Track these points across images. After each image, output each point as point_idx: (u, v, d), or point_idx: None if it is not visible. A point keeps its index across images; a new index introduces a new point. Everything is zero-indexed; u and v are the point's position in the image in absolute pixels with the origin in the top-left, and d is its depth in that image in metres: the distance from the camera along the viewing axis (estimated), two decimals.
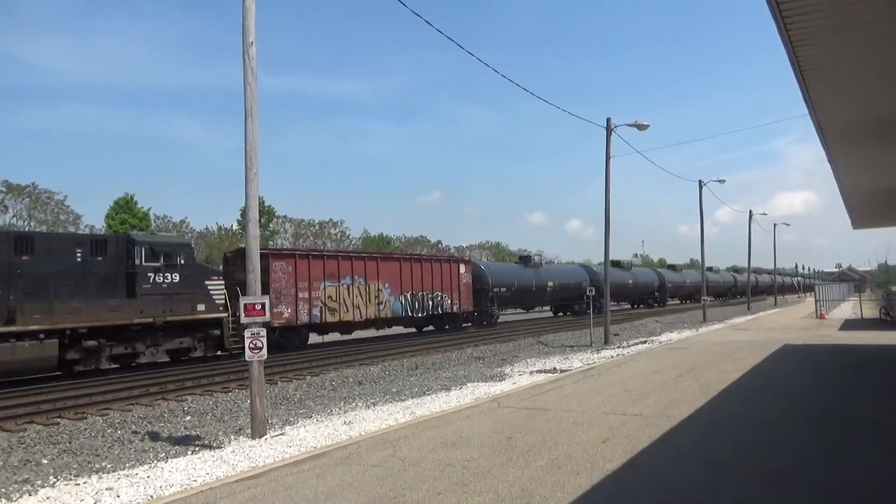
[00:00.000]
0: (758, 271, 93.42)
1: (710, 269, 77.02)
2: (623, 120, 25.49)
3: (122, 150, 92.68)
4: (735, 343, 22.37)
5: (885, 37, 4.99)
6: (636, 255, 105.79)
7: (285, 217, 62.89)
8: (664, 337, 26.95)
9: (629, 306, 57.43)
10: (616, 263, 49.81)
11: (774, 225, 75.00)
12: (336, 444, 8.86)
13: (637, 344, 23.86)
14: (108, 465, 8.81)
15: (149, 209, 49.55)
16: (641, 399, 11.44)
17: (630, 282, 52.41)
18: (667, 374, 14.73)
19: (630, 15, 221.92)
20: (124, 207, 46.95)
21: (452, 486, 6.61)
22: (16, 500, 7.24)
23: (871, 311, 39.92)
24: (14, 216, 45.22)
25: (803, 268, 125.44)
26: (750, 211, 56.93)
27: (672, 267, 71.50)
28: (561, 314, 45.70)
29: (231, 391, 15.15)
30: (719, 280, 76.83)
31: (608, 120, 25.54)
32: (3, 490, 7.84)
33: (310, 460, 7.99)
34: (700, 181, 40.47)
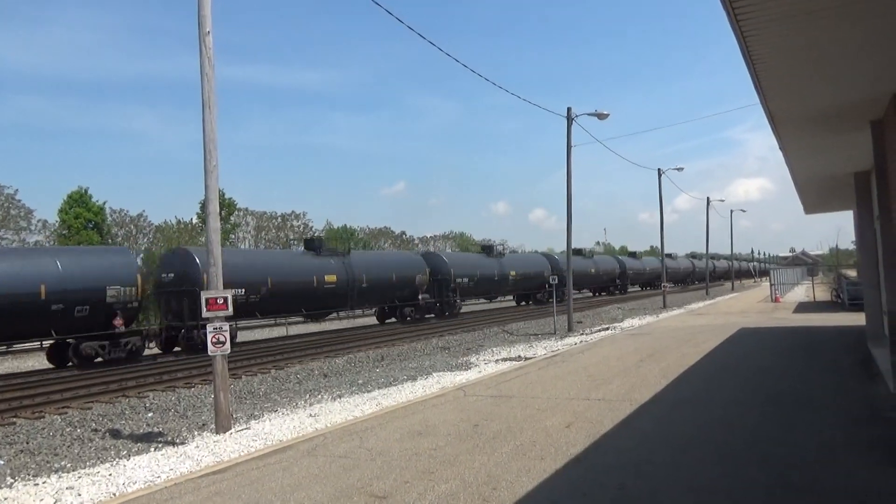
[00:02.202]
0: (715, 257, 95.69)
1: (669, 255, 78.58)
2: (584, 109, 25.79)
3: (75, 143, 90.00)
4: (694, 328, 22.91)
5: (824, 30, 5.17)
6: (598, 244, 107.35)
7: (247, 210, 61.98)
8: (626, 323, 27.45)
9: (591, 294, 58.23)
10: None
11: (731, 211, 77.17)
12: (302, 437, 8.84)
13: (600, 331, 24.26)
14: (68, 465, 8.63)
15: (104, 203, 48.26)
16: (604, 384, 11.66)
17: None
18: (629, 359, 15.03)
19: (589, 3, 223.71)
20: (78, 201, 45.59)
21: (419, 475, 6.66)
22: None
23: (823, 293, 41.35)
24: None
25: (759, 253, 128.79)
26: (707, 198, 58.31)
27: (632, 254, 72.66)
28: (524, 303, 45.92)
29: (194, 386, 14.95)
30: (679, 266, 78.38)
31: (569, 109, 25.80)
32: None
33: (275, 453, 7.95)
34: (659, 170, 41.31)
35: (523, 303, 46.16)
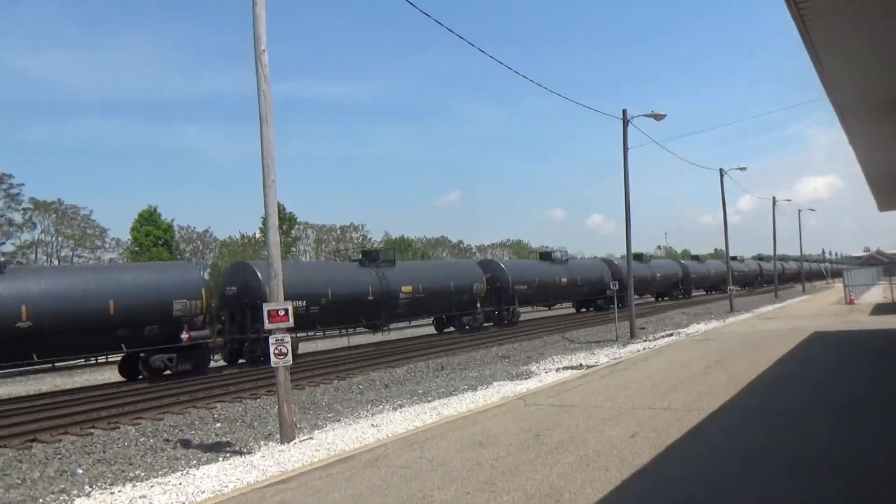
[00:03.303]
0: (784, 258, 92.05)
1: (734, 258, 76.18)
2: (638, 110, 25.31)
3: (138, 162, 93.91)
4: (763, 332, 22.05)
5: (887, 13, 4.89)
6: (659, 247, 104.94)
7: (307, 223, 63.36)
8: (691, 329, 26.67)
9: (653, 299, 56.94)
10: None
11: (799, 211, 73.70)
12: (364, 447, 8.90)
13: (664, 337, 23.64)
14: (142, 474, 8.95)
15: (172, 220, 50.21)
16: (670, 392, 11.33)
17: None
18: (695, 366, 14.57)
19: (639, 5, 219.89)
20: (148, 219, 47.60)
21: (480, 486, 6.60)
22: None
23: None
24: (42, 232, 46.14)
25: (830, 253, 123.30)
26: (773, 197, 56.20)
27: (695, 257, 70.72)
28: (584, 310, 45.05)
29: (259, 397, 15.29)
30: (745, 269, 75.84)
31: (624, 111, 25.34)
32: (41, 500, 8.01)
33: (338, 463, 8.03)
34: (721, 169, 39.99)
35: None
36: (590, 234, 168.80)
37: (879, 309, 30.97)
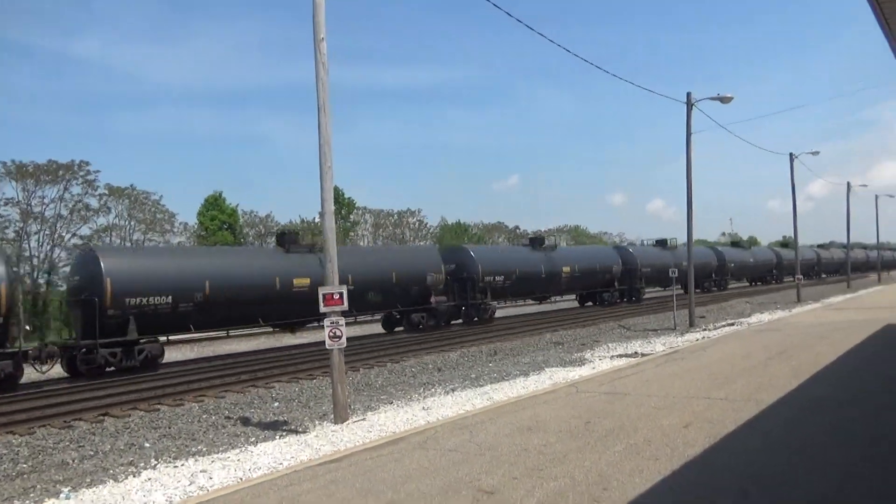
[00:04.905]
0: (863, 247, 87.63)
1: (822, 245, 73.36)
2: (704, 94, 24.49)
3: (208, 149, 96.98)
4: (832, 324, 21.17)
5: None
6: (724, 234, 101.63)
7: (365, 208, 64.19)
8: (754, 318, 25.84)
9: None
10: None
11: (876, 196, 69.99)
12: (414, 430, 9.03)
13: (724, 326, 23.00)
14: (204, 449, 9.34)
15: (237, 205, 51.69)
16: (727, 383, 11.04)
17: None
18: (755, 357, 14.14)
19: None
20: (213, 204, 49.14)
21: (528, 471, 6.62)
22: (122, 481, 7.80)
23: None
24: (116, 216, 48.25)
25: None
26: (848, 183, 53.56)
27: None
28: (589, 304, 40.04)
29: (315, 378, 15.69)
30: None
31: (688, 94, 24.60)
32: (111, 471, 8.47)
33: (388, 445, 8.18)
34: (791, 154, 38.35)
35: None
36: (650, 219, 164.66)
37: None
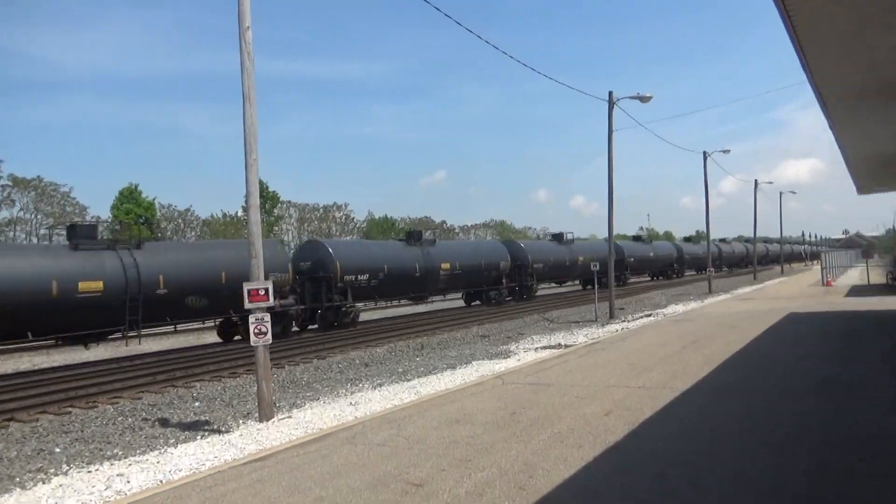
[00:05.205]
0: (767, 241, 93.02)
1: (723, 240, 77.05)
2: (626, 93, 25.33)
3: (123, 140, 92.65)
4: (740, 313, 22.39)
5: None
6: (641, 229, 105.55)
7: (290, 202, 62.97)
8: (669, 309, 27.00)
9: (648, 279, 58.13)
10: (637, 238, 50.79)
11: (780, 193, 74.35)
12: (342, 425, 8.97)
13: (642, 317, 23.92)
14: (119, 452, 8.95)
15: (154, 199, 49.67)
16: (645, 372, 11.51)
17: (650, 254, 54.15)
18: (671, 346, 14.79)
19: None
20: (129, 197, 47.06)
21: (456, 463, 6.70)
22: (30, 489, 7.38)
23: (878, 276, 39.84)
24: (21, 209, 45.45)
25: (810, 235, 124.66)
26: (756, 180, 56.66)
27: (638, 238, 69.49)
28: (590, 287, 43.79)
29: (239, 376, 15.30)
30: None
31: (610, 93, 25.34)
32: (18, 479, 7.99)
33: (316, 441, 8.10)
34: (705, 152, 40.23)
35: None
36: (573, 214, 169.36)
37: (855, 291, 31.53)
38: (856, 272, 52.59)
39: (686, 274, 64.05)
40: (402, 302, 34.88)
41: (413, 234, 33.09)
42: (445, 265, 31.75)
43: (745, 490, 5.49)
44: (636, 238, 63.36)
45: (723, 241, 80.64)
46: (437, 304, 38.94)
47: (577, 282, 48.13)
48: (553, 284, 47.89)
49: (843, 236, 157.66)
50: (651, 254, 55.99)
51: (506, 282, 36.58)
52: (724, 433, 7.25)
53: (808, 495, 5.33)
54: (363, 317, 29.52)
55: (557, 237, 44.37)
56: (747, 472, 5.93)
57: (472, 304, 36.94)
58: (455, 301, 39.34)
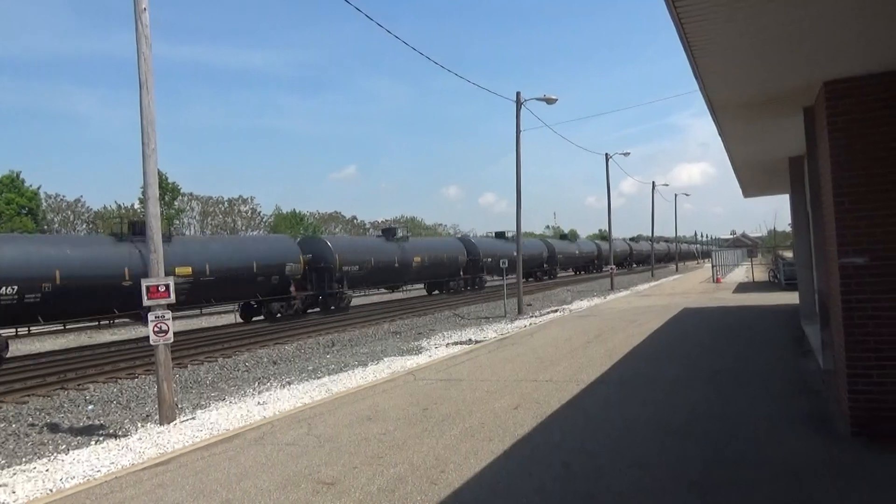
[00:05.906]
0: (661, 240, 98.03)
1: (633, 239, 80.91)
2: (533, 94, 25.97)
3: (5, 124, 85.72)
4: (639, 309, 23.49)
5: (758, 17, 5.31)
6: (548, 227, 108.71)
7: (191, 195, 60.37)
8: (575, 305, 27.94)
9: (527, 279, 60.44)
10: (564, 237, 52.54)
11: (675, 195, 78.53)
12: (249, 426, 8.71)
13: (549, 313, 24.63)
14: (2, 461, 8.32)
15: (38, 188, 46.32)
16: (552, 365, 11.86)
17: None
18: (576, 340, 15.32)
19: None
20: (9, 186, 43.65)
21: (368, 460, 6.66)
22: None
23: (761, 274, 42.88)
24: None
25: (702, 235, 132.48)
26: (653, 182, 59.53)
27: (565, 236, 72.00)
28: (436, 292, 41.36)
29: (137, 377, 14.57)
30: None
31: (518, 94, 25.90)
32: None
33: (222, 443, 7.83)
34: (606, 154, 41.92)
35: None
36: (482, 212, 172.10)
37: (741, 287, 33.77)
38: (742, 270, 56.36)
39: (604, 269, 66.67)
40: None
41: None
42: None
43: (647, 476, 5.77)
44: (563, 237, 68.29)
45: (633, 239, 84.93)
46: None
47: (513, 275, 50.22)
48: (496, 277, 48.32)
49: (731, 236, 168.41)
50: (577, 251, 61.81)
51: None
52: (627, 423, 7.59)
53: (701, 482, 5.67)
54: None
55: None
56: (646, 458, 6.24)
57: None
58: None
